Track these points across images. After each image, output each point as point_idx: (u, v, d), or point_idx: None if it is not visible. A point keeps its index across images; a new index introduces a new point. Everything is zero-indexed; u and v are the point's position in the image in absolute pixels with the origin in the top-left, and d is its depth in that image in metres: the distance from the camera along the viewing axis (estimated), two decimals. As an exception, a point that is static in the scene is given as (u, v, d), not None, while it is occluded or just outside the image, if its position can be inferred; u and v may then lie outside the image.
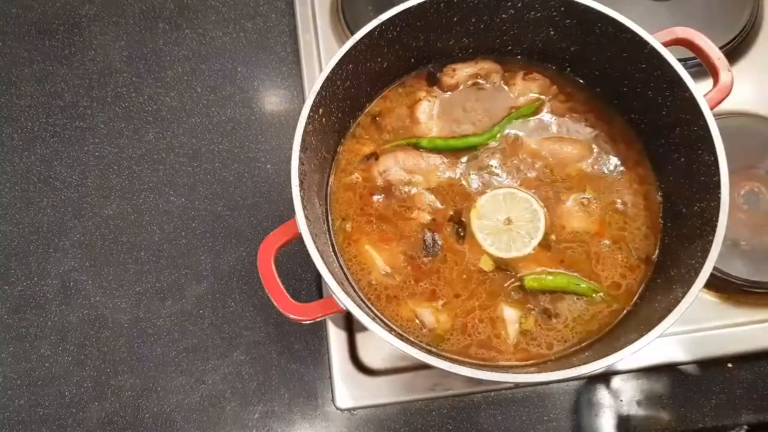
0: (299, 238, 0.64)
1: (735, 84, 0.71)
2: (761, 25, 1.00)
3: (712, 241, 0.61)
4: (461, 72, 0.83)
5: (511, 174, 0.78)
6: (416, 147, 0.80)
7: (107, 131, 1.02)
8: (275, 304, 0.67)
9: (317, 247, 0.63)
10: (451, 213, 0.76)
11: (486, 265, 0.74)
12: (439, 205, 0.77)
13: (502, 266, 0.74)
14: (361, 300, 0.73)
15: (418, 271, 0.74)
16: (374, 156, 0.80)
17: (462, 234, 0.75)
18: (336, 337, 0.85)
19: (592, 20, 0.72)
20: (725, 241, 0.61)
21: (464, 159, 0.79)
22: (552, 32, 0.78)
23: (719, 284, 0.84)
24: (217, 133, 1.01)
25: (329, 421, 0.84)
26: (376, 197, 0.78)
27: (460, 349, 0.71)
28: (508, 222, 0.75)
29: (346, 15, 1.03)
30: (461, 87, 0.83)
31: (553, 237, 0.75)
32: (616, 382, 0.83)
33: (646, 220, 0.76)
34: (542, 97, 0.82)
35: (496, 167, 0.78)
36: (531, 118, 0.81)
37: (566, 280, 0.72)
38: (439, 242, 0.75)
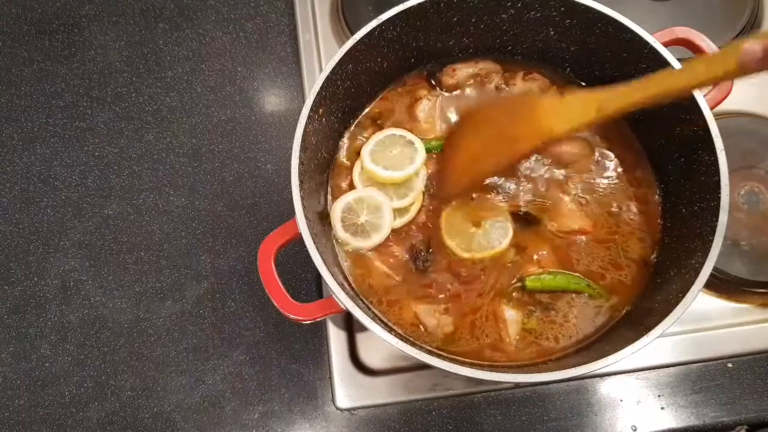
0: (299, 238, 0.64)
1: (735, 84, 0.71)
2: (761, 25, 1.00)
3: (712, 241, 0.61)
4: (461, 72, 0.83)
5: (510, 175, 0.78)
6: None
7: (107, 131, 1.02)
8: (275, 304, 0.67)
9: (317, 247, 0.63)
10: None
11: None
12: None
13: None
14: (361, 300, 0.73)
15: (418, 274, 0.74)
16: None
17: None
18: (336, 337, 0.85)
19: (592, 20, 0.72)
20: (725, 241, 0.61)
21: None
22: (552, 32, 0.78)
23: (719, 284, 0.84)
24: (217, 133, 1.01)
25: (329, 421, 0.84)
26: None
27: (462, 350, 0.71)
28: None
29: (346, 15, 1.03)
30: (461, 87, 0.83)
31: (554, 238, 0.75)
32: (617, 382, 0.83)
33: (646, 220, 0.76)
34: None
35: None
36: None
37: (566, 279, 0.72)
38: (429, 257, 0.74)
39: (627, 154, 0.79)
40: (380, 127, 0.82)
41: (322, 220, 0.75)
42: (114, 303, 0.91)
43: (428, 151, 0.78)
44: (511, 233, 0.74)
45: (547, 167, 0.78)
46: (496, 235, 0.74)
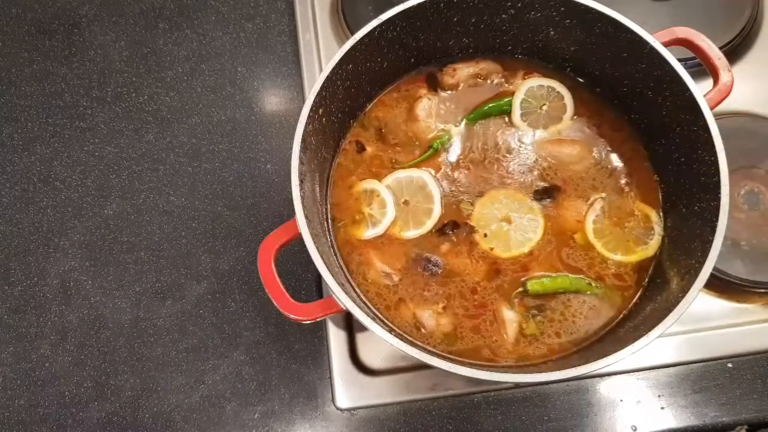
0: (299, 238, 0.64)
1: (735, 84, 0.71)
2: (761, 25, 1.00)
3: (712, 241, 0.61)
4: (462, 72, 0.83)
5: (509, 174, 0.78)
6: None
7: (107, 131, 1.02)
8: (275, 304, 0.67)
9: (317, 247, 0.63)
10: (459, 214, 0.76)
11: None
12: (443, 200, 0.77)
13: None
14: (361, 300, 0.73)
15: (418, 275, 0.74)
16: (362, 147, 0.80)
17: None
18: (336, 337, 0.85)
19: (592, 20, 0.72)
20: (725, 241, 0.61)
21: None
22: (552, 32, 0.78)
23: (719, 284, 0.84)
24: (217, 133, 1.01)
25: (329, 421, 0.84)
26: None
27: (461, 350, 0.71)
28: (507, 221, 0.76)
29: (346, 15, 1.03)
30: (461, 86, 0.83)
31: (553, 238, 0.75)
32: (616, 382, 0.83)
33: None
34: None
35: (494, 167, 0.79)
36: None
37: (568, 280, 0.72)
38: (440, 265, 0.74)
39: (629, 153, 0.79)
40: (379, 124, 0.82)
41: (321, 219, 0.75)
42: (114, 303, 0.91)
43: (435, 150, 0.79)
44: (540, 218, 0.75)
45: (547, 171, 0.78)
46: (530, 226, 0.75)
